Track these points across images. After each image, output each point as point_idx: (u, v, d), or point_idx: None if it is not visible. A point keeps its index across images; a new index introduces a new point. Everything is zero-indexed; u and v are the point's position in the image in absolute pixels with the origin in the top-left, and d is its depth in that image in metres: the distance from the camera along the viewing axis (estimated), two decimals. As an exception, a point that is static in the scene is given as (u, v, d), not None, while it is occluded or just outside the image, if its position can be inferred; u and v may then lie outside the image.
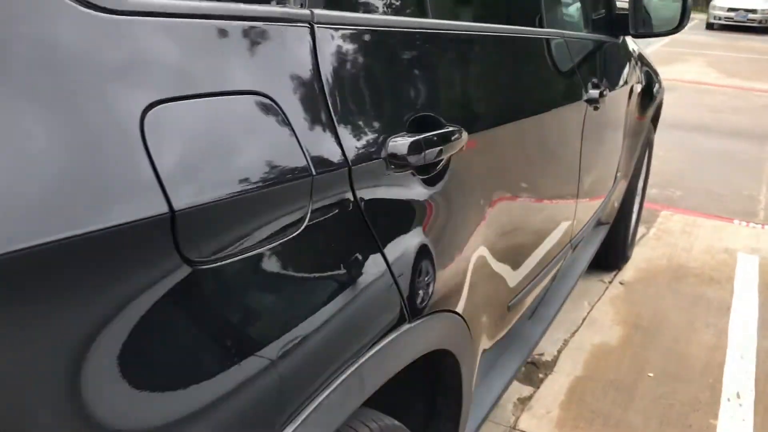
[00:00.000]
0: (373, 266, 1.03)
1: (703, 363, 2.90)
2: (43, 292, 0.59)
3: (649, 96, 3.45)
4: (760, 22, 19.26)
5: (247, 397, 0.80)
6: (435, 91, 1.30)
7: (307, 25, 0.95)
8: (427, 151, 1.13)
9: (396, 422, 1.23)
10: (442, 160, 1.22)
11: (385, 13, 1.22)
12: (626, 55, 3.10)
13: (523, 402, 2.60)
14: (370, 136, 1.04)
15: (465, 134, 1.27)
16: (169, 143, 0.71)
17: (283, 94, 0.88)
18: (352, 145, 0.99)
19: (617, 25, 2.85)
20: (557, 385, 2.72)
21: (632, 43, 3.34)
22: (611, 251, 3.58)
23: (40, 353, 0.60)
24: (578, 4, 2.67)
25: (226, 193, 0.75)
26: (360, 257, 1.01)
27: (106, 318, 0.64)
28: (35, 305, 0.58)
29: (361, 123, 1.03)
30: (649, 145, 3.74)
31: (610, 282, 3.63)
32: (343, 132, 0.97)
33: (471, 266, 1.42)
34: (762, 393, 2.69)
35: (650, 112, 3.50)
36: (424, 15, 1.33)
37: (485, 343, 1.67)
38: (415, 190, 1.17)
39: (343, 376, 0.95)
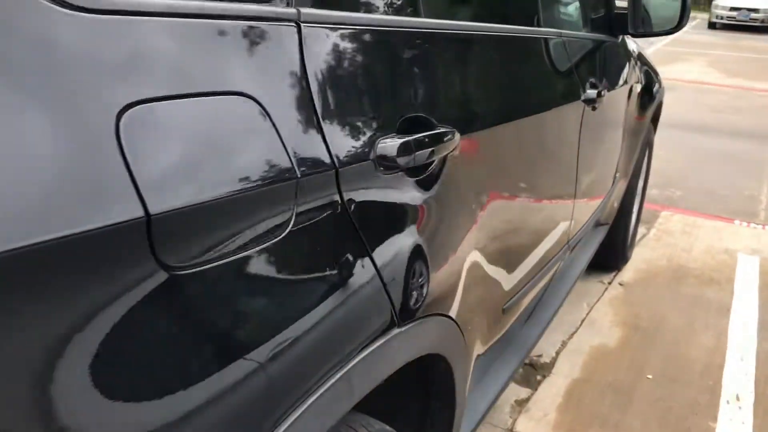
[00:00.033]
0: (361, 270, 1.01)
1: (703, 365, 2.88)
2: (12, 299, 0.57)
3: (648, 96, 3.43)
4: (762, 21, 19.20)
5: (230, 406, 0.78)
6: (426, 91, 1.27)
7: (294, 24, 0.93)
8: (417, 153, 1.11)
9: (387, 427, 1.22)
10: (433, 161, 1.20)
11: (374, 11, 1.19)
12: (626, 54, 3.08)
13: (521, 404, 2.58)
14: (359, 138, 1.02)
15: (457, 135, 1.25)
16: (146, 145, 0.69)
17: (268, 94, 0.86)
18: (340, 146, 0.97)
19: (616, 24, 2.83)
20: (555, 387, 2.70)
21: (632, 43, 3.32)
22: (610, 252, 3.56)
23: (10, 361, 0.58)
24: (577, 4, 2.65)
25: (205, 197, 0.73)
26: (347, 261, 0.99)
27: (78, 325, 0.62)
28: (4, 313, 0.57)
29: (349, 124, 1.01)
30: (649, 145, 3.72)
31: (610, 283, 3.61)
32: (330, 133, 0.95)
33: (464, 269, 1.40)
34: (762, 395, 2.67)
35: (650, 112, 3.48)
36: (414, 14, 1.31)
37: (479, 347, 1.65)
38: (406, 192, 1.15)
39: (330, 382, 0.93)
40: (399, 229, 1.13)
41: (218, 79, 0.80)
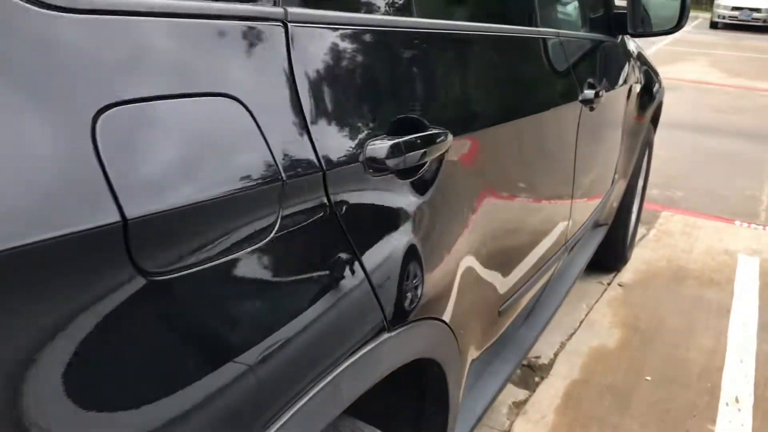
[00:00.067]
0: (350, 275, 0.99)
1: (702, 367, 2.86)
2: None
3: (648, 96, 3.41)
4: (764, 21, 19.18)
5: (213, 414, 0.76)
6: (418, 92, 1.25)
7: (281, 24, 0.92)
8: (408, 155, 1.09)
9: (377, 431, 1.20)
10: (425, 163, 1.18)
11: (363, 11, 1.18)
12: (625, 54, 3.06)
13: (518, 406, 2.57)
14: (348, 139, 1.01)
15: (450, 137, 1.23)
16: (124, 148, 0.67)
17: (253, 95, 0.84)
18: (328, 148, 0.95)
19: (616, 24, 2.81)
20: (553, 389, 2.68)
21: (632, 43, 3.30)
22: (610, 253, 3.54)
23: None
24: (575, 4, 2.63)
25: (185, 201, 0.71)
26: (335, 265, 0.97)
27: (52, 333, 0.61)
28: None
29: (337, 125, 1.00)
30: (648, 145, 3.70)
31: (609, 284, 3.59)
32: (318, 135, 0.94)
33: (458, 272, 1.38)
34: (761, 398, 2.66)
35: (650, 112, 3.46)
36: (405, 13, 1.29)
37: (475, 350, 1.63)
38: (397, 195, 1.13)
39: (317, 388, 0.91)
40: (389, 232, 1.11)
41: (201, 80, 0.78)
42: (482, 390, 1.83)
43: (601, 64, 2.67)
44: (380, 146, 1.04)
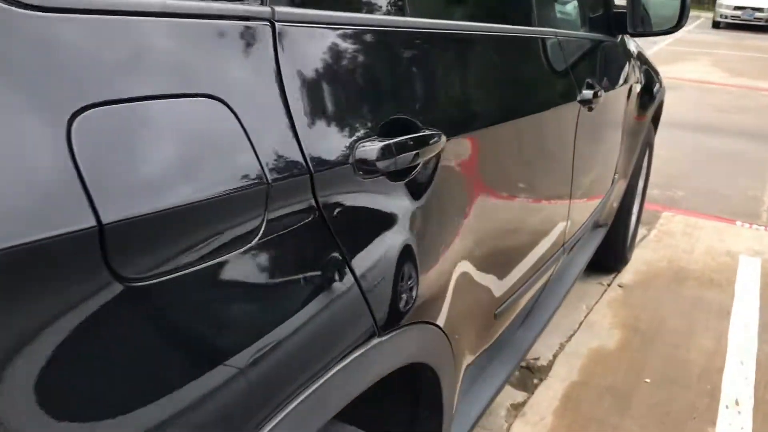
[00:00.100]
0: (338, 279, 0.98)
1: (702, 368, 2.84)
2: None
3: (648, 96, 3.39)
4: (767, 21, 19.12)
5: (195, 425, 0.74)
6: (410, 92, 1.23)
7: (268, 23, 0.90)
8: (399, 157, 1.07)
9: None
10: (417, 165, 1.16)
11: (353, 10, 1.16)
12: (625, 54, 3.04)
13: (517, 408, 2.55)
14: (337, 141, 0.99)
15: (443, 138, 1.22)
16: (102, 151, 0.66)
17: (238, 96, 0.82)
18: (316, 150, 0.93)
19: (615, 23, 2.80)
20: (552, 390, 2.67)
21: (632, 43, 3.28)
22: (610, 253, 3.52)
23: None
24: (574, 3, 2.62)
25: (165, 205, 0.69)
26: (323, 270, 0.95)
27: (25, 341, 0.59)
28: None
29: (326, 127, 0.98)
30: (649, 145, 3.68)
31: (609, 285, 3.57)
32: (306, 137, 0.92)
33: (452, 275, 1.37)
34: (761, 400, 2.64)
35: (650, 112, 3.44)
36: (396, 12, 1.27)
37: (470, 354, 1.61)
38: (388, 197, 1.11)
39: (304, 395, 0.90)
40: (380, 235, 1.09)
41: (183, 80, 0.77)
42: (478, 393, 1.81)
43: (601, 64, 2.65)
44: (370, 148, 1.02)
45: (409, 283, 1.16)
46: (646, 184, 3.97)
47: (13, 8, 0.62)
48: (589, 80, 2.26)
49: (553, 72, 2.05)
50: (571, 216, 2.31)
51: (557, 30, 2.08)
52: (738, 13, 19.28)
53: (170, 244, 0.72)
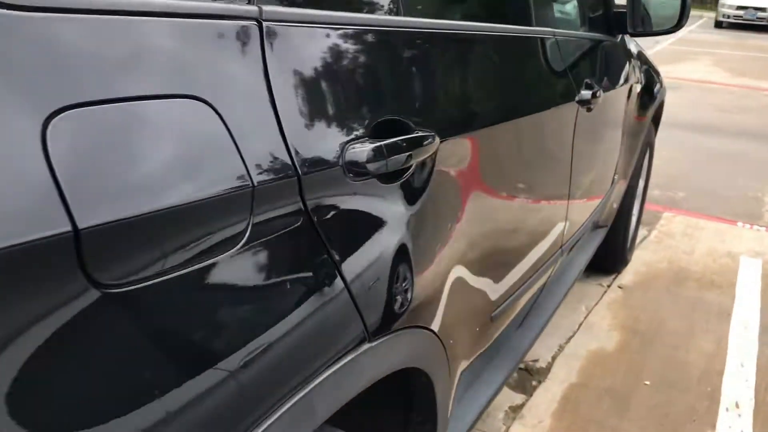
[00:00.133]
0: (327, 284, 0.96)
1: (702, 371, 2.82)
2: None
3: (649, 96, 3.37)
4: (769, 20, 19.11)
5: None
6: (402, 93, 1.21)
7: (255, 23, 0.88)
8: (390, 159, 1.05)
9: None
10: (410, 167, 1.14)
11: (342, 9, 1.14)
12: (625, 54, 3.02)
13: (515, 410, 2.53)
14: (326, 143, 0.97)
15: (436, 139, 1.20)
16: (79, 154, 0.64)
17: (223, 98, 0.81)
18: (304, 152, 0.91)
19: (615, 23, 2.78)
20: (550, 393, 2.65)
21: (632, 42, 3.26)
22: (610, 254, 3.50)
23: None
24: (574, 2, 2.60)
25: (145, 209, 0.68)
26: (311, 275, 0.93)
27: None
28: None
29: (315, 128, 0.96)
30: (650, 145, 3.66)
31: (609, 286, 3.55)
32: (294, 139, 0.90)
33: (446, 278, 1.35)
34: (762, 403, 2.62)
35: (650, 112, 3.42)
36: (387, 11, 1.25)
37: (465, 358, 1.60)
38: (380, 200, 1.09)
39: (291, 402, 0.88)
40: (371, 238, 1.07)
41: (166, 81, 0.75)
42: (474, 397, 1.79)
43: (600, 64, 2.63)
44: (361, 150, 1.00)
45: (401, 287, 1.14)
46: (647, 185, 3.95)
47: None
48: (587, 80, 2.24)
49: (550, 72, 2.02)
50: (570, 217, 2.29)
51: (555, 30, 2.05)
52: (740, 12, 19.24)
53: (150, 250, 0.70)
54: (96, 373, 0.66)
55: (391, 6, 1.24)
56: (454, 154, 1.33)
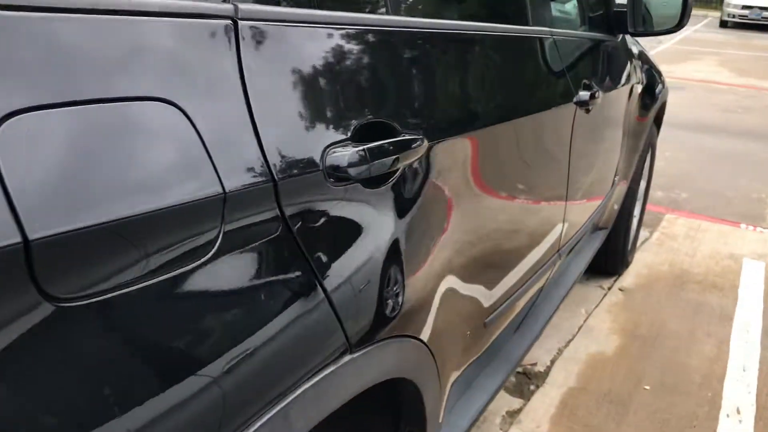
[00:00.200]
0: (305, 295, 0.92)
1: (703, 375, 2.78)
2: None
3: (650, 96, 3.33)
4: (775, 20, 19.02)
5: None
6: (387, 94, 1.17)
7: (230, 21, 0.84)
8: (374, 163, 1.01)
9: None
10: (395, 171, 1.11)
11: (323, 7, 1.10)
12: (625, 54, 2.98)
13: (512, 415, 2.50)
14: (306, 147, 0.93)
15: (425, 142, 1.16)
16: (30, 160, 0.60)
17: (193, 100, 0.77)
18: (281, 157, 0.88)
19: (615, 23, 2.74)
20: (549, 397, 2.61)
21: (634, 42, 3.23)
22: (610, 256, 3.46)
23: None
24: (573, 2, 2.56)
25: (103, 218, 0.64)
26: (288, 285, 0.90)
27: None
28: None
29: (294, 132, 0.92)
30: (651, 146, 3.62)
31: (609, 288, 3.51)
32: (270, 143, 0.86)
33: (435, 285, 1.31)
34: (763, 408, 2.58)
35: (652, 112, 3.37)
36: (372, 9, 1.21)
37: (457, 365, 1.56)
38: (364, 205, 1.06)
39: (263, 420, 0.84)
40: (353, 246, 1.03)
41: (130, 83, 0.71)
42: (468, 404, 1.76)
43: (599, 65, 2.59)
44: (342, 154, 0.97)
45: (385, 296, 1.11)
46: (649, 186, 3.91)
47: None
48: (586, 81, 2.20)
49: (547, 73, 1.99)
50: (567, 220, 2.25)
51: (553, 29, 2.01)
52: (745, 12, 19.15)
53: (109, 261, 0.66)
54: (48, 392, 0.62)
55: (376, 4, 1.21)
56: (444, 157, 1.29)
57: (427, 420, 1.34)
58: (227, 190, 0.78)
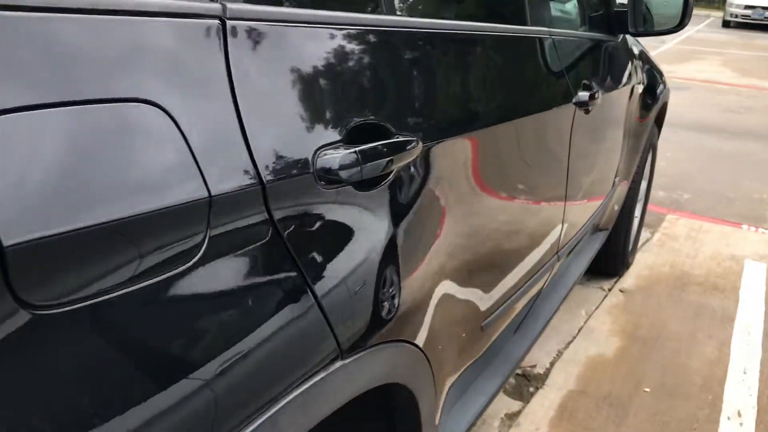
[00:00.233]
0: (295, 300, 0.90)
1: (703, 378, 2.76)
2: None
3: (651, 96, 3.31)
4: (777, 20, 18.99)
5: None
6: (380, 95, 1.15)
7: (218, 21, 0.83)
8: (366, 165, 0.99)
9: None
10: (389, 173, 1.09)
11: (314, 6, 1.08)
12: (626, 54, 2.96)
13: (511, 418, 2.48)
14: (296, 149, 0.91)
15: (419, 144, 1.14)
16: (4, 164, 0.58)
17: (179, 101, 0.75)
18: (270, 159, 0.86)
19: (616, 23, 2.72)
20: (548, 399, 2.60)
21: (635, 42, 3.21)
22: (611, 257, 3.45)
23: None
24: (573, 2, 2.54)
25: (82, 224, 0.62)
26: (277, 290, 0.88)
27: None
28: None
29: (283, 134, 0.90)
30: (652, 147, 3.61)
31: (610, 290, 3.49)
32: (259, 145, 0.84)
33: (430, 289, 1.29)
34: (764, 411, 2.56)
35: (653, 113, 3.35)
36: (364, 9, 1.19)
37: (454, 369, 1.54)
38: (356, 208, 1.04)
39: (254, 426, 0.82)
40: (345, 250, 1.02)
41: (113, 84, 0.69)
42: (466, 407, 1.74)
43: (599, 65, 2.57)
44: (333, 156, 0.95)
45: (378, 301, 1.09)
46: (650, 187, 3.89)
47: None
48: (585, 81, 2.19)
49: (546, 73, 1.97)
50: (566, 221, 2.23)
51: (552, 29, 1.99)
52: (748, 12, 19.12)
53: (88, 267, 0.65)
54: (24, 402, 0.60)
55: (369, 3, 1.19)
56: (439, 158, 1.27)
57: (423, 425, 1.32)
58: (213, 194, 0.76)
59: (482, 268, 1.61)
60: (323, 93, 1.00)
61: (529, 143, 1.80)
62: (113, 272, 0.66)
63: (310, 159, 0.93)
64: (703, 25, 19.48)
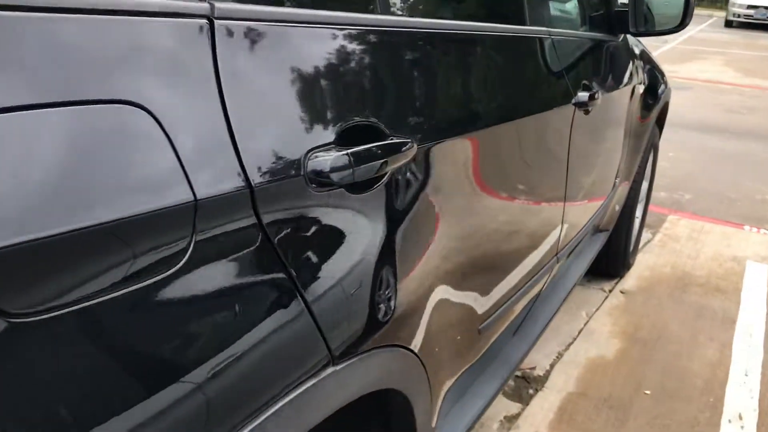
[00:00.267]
0: (284, 306, 0.88)
1: (704, 380, 2.74)
2: None
3: (652, 97, 3.29)
4: (780, 20, 18.96)
5: None
6: (374, 96, 1.13)
7: (206, 20, 0.81)
8: (359, 167, 0.97)
9: None
10: (382, 175, 1.07)
11: (304, 6, 1.06)
12: (627, 54, 2.94)
13: (510, 420, 2.46)
14: (286, 151, 0.90)
15: (414, 146, 1.12)
16: None
17: (165, 102, 0.74)
18: (259, 162, 0.84)
19: (616, 22, 2.70)
20: (548, 402, 2.58)
21: (636, 42, 3.19)
22: (612, 258, 3.43)
23: None
24: (573, 2, 2.52)
25: (62, 228, 0.61)
26: (266, 295, 0.86)
27: None
28: None
29: (273, 136, 0.89)
30: (654, 147, 3.59)
31: (611, 291, 3.47)
32: (247, 147, 0.83)
33: (425, 293, 1.27)
34: (766, 414, 2.54)
35: (654, 113, 3.33)
36: (357, 8, 1.17)
37: (450, 373, 1.52)
38: (349, 211, 1.02)
39: None
40: (337, 254, 1.00)
41: (97, 85, 0.67)
42: (464, 410, 1.72)
43: (600, 65, 2.55)
44: (325, 158, 0.93)
45: (371, 305, 1.07)
46: (651, 187, 3.87)
47: None
48: (585, 82, 2.17)
49: (545, 74, 1.95)
50: (566, 222, 2.21)
51: (551, 29, 1.97)
52: (751, 12, 19.10)
53: (67, 274, 0.63)
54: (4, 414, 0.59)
55: (361, 2, 1.17)
56: (435, 160, 1.26)
57: (419, 430, 1.30)
58: (199, 198, 0.74)
59: (479, 271, 1.59)
60: (314, 93, 0.98)
61: (527, 144, 1.78)
62: (92, 279, 0.65)
63: (300, 161, 0.91)
64: (705, 24, 19.45)
